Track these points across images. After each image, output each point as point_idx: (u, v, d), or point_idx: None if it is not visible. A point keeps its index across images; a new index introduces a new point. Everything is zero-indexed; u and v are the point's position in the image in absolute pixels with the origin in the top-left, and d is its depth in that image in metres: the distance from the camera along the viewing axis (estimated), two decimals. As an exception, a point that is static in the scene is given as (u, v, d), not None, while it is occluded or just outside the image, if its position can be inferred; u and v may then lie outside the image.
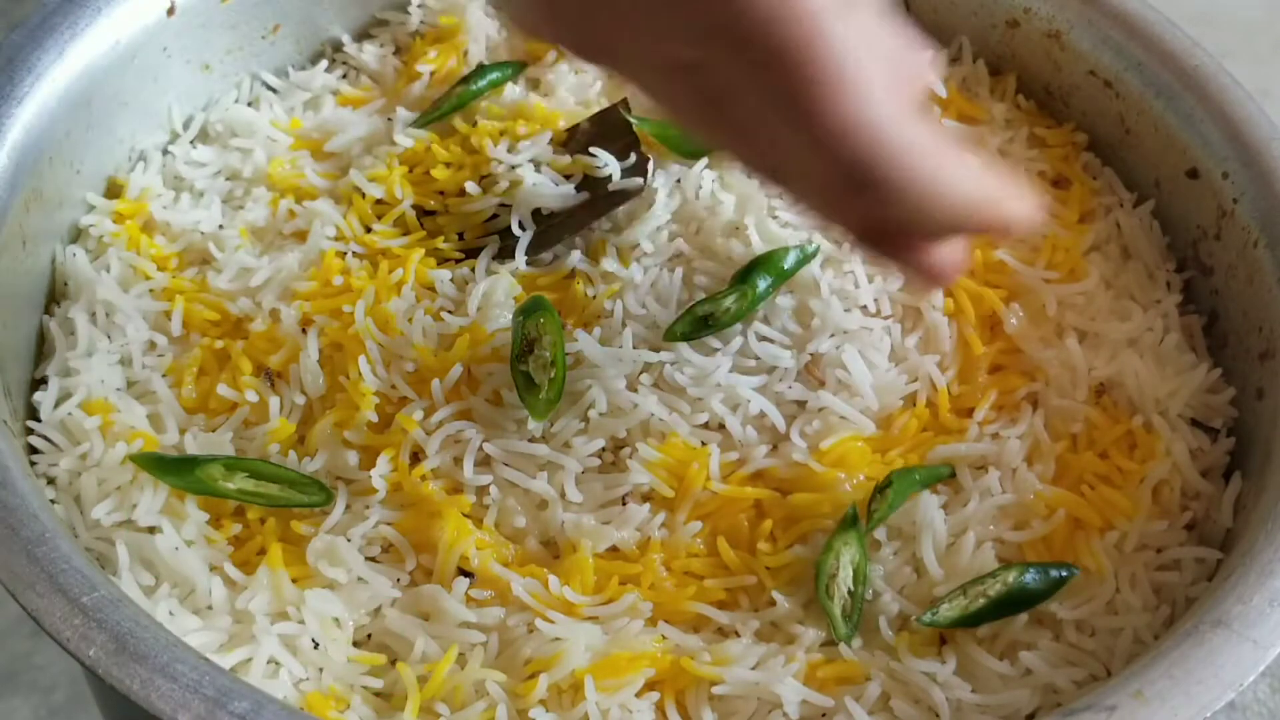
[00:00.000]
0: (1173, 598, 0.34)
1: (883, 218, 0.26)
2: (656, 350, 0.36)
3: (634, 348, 0.36)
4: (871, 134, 0.24)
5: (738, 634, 0.32)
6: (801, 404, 0.36)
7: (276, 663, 0.31)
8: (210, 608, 0.32)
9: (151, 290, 0.38)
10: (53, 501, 0.33)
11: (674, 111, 0.27)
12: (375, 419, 0.35)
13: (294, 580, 0.32)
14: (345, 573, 0.33)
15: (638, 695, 0.31)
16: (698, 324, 0.37)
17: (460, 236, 0.40)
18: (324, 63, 0.45)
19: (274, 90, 0.44)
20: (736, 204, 0.40)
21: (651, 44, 0.25)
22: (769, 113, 0.25)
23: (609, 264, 0.38)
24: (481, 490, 0.34)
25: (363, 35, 0.46)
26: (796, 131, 0.24)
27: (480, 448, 0.34)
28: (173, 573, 0.32)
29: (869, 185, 0.25)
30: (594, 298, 0.38)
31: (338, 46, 0.46)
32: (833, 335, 0.37)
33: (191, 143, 0.42)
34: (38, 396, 0.35)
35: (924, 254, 0.27)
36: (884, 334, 0.37)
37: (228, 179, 0.41)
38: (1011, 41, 0.45)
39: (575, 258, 0.39)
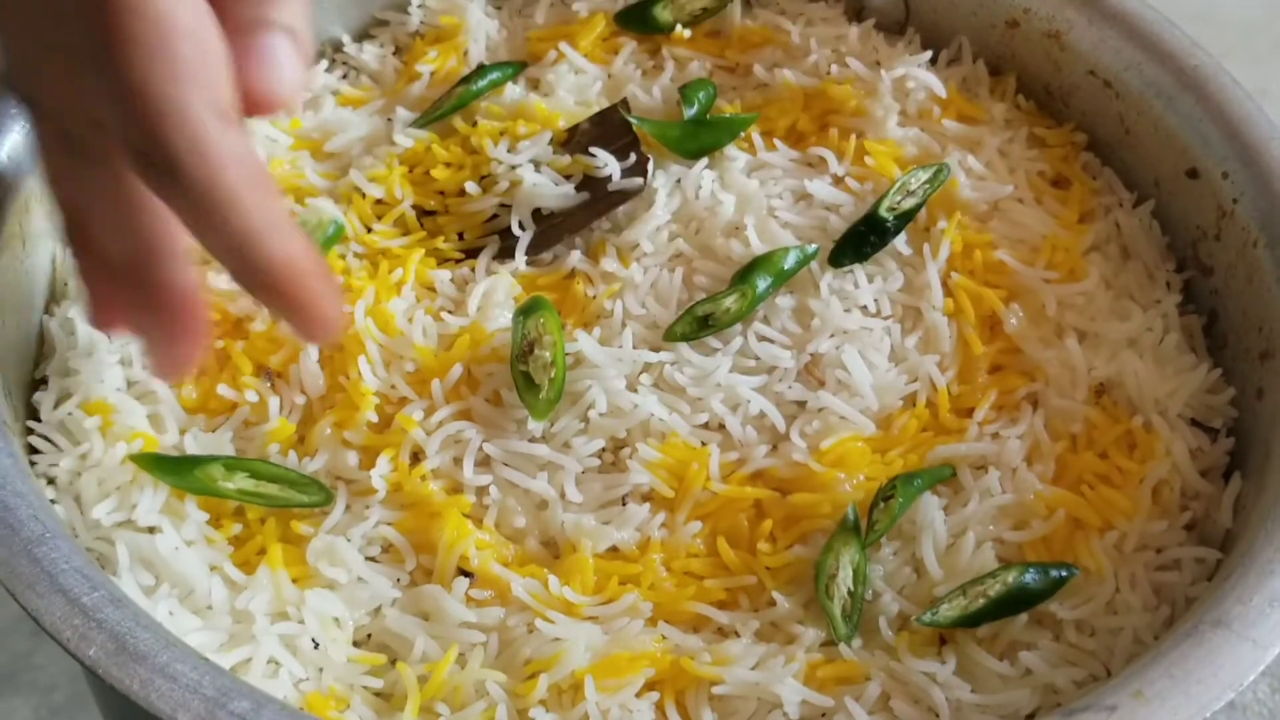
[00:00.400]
0: (1172, 598, 0.34)
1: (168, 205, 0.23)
2: (656, 350, 0.36)
3: (634, 348, 0.36)
4: (173, 109, 0.22)
5: (738, 634, 0.32)
6: (801, 404, 0.36)
7: (276, 663, 0.31)
8: (210, 608, 0.32)
9: (152, 290, 0.38)
10: (53, 501, 0.33)
11: None
12: (375, 419, 0.35)
13: (294, 580, 0.32)
14: (345, 573, 0.33)
15: (638, 695, 0.31)
16: (698, 324, 0.37)
17: (460, 236, 0.40)
18: (324, 63, 0.45)
19: (274, 90, 0.44)
20: (736, 204, 0.40)
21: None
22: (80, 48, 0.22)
23: (609, 264, 0.38)
24: (481, 490, 0.34)
25: (363, 35, 0.46)
26: (101, 76, 0.22)
27: (480, 448, 0.34)
28: (173, 573, 0.32)
29: (163, 163, 0.22)
30: (594, 298, 0.38)
31: (338, 46, 0.46)
32: (832, 335, 0.37)
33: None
34: (38, 396, 0.35)
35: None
36: (884, 334, 0.38)
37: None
38: (1011, 42, 0.45)
39: (575, 258, 0.39)
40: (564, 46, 0.43)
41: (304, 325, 0.24)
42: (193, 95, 0.22)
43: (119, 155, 0.23)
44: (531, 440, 0.35)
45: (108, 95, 0.22)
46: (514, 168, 0.40)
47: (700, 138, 0.41)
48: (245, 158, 0.23)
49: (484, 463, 0.35)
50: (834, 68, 0.44)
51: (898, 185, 0.40)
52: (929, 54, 0.45)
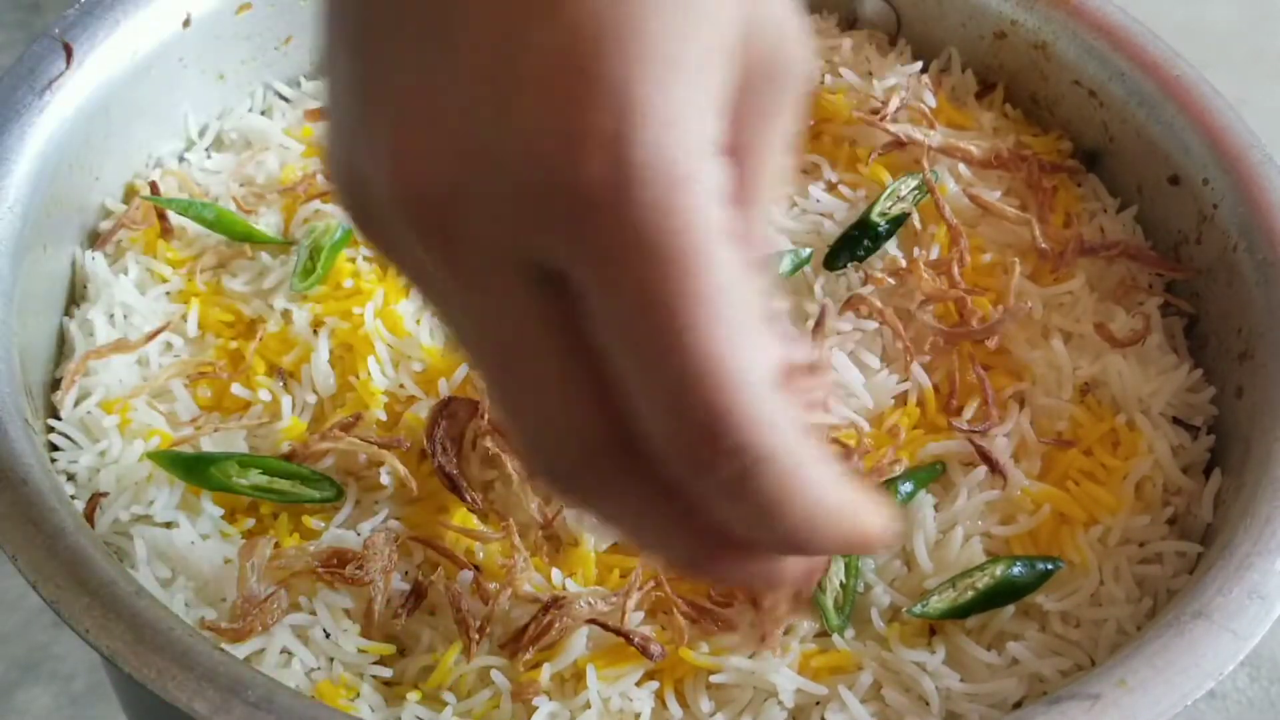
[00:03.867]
0: (1155, 590, 0.35)
1: (723, 511, 0.18)
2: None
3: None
4: (746, 379, 0.17)
5: (734, 625, 0.33)
6: (797, 403, 0.37)
7: (289, 653, 0.32)
8: (225, 600, 0.33)
9: (168, 293, 0.39)
10: (72, 497, 0.34)
11: (477, 338, 0.19)
12: (384, 417, 0.36)
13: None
14: (355, 566, 0.33)
15: (638, 684, 0.32)
16: (696, 325, 0.38)
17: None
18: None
19: (286, 99, 0.46)
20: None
21: (513, 219, 0.17)
22: (615, 331, 0.17)
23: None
24: (487, 485, 0.35)
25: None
26: (642, 373, 0.17)
27: (486, 445, 0.35)
28: (189, 566, 0.33)
29: (721, 455, 0.17)
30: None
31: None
32: (826, 336, 0.38)
33: (206, 150, 0.44)
34: (58, 395, 0.36)
35: (766, 563, 0.20)
36: (876, 335, 0.39)
37: (241, 185, 0.42)
38: (999, 52, 0.46)
39: (577, 262, 0.40)
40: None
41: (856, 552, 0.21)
42: (763, 362, 0.17)
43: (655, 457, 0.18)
44: (535, 438, 0.36)
45: (659, 372, 0.17)
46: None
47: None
48: (804, 429, 0.18)
49: (489, 460, 0.35)
50: (827, 77, 0.45)
51: (889, 191, 0.41)
52: (919, 64, 0.46)
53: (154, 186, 0.41)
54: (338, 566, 0.32)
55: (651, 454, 0.18)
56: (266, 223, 0.41)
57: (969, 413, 0.37)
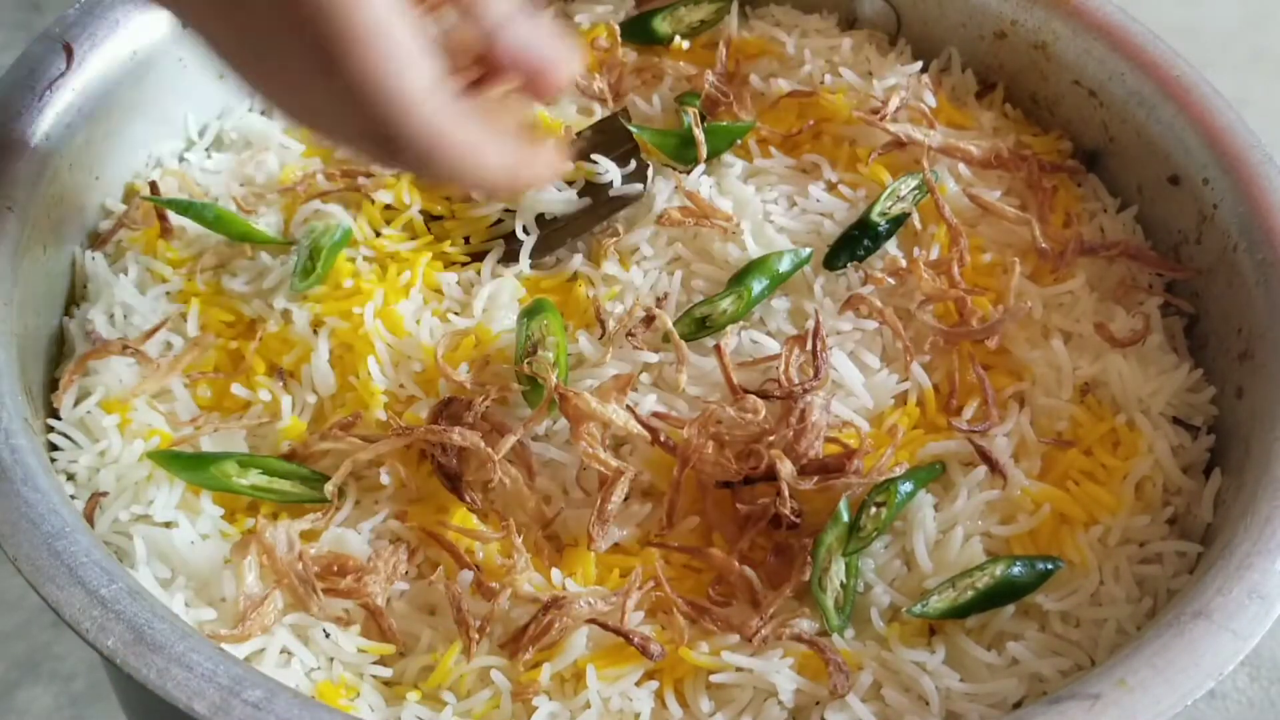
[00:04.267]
0: (1155, 590, 0.35)
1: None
2: (656, 351, 0.37)
3: (634, 348, 0.37)
4: (396, 100, 0.25)
5: (734, 625, 0.33)
6: (796, 403, 0.37)
7: (288, 652, 0.32)
8: (224, 599, 0.33)
9: (168, 293, 0.39)
10: (72, 497, 0.34)
11: (216, 49, 0.28)
12: (384, 417, 0.36)
13: (306, 572, 0.33)
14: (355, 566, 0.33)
15: (637, 684, 0.32)
16: (696, 325, 0.38)
17: (466, 241, 0.41)
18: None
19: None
20: (733, 209, 0.41)
21: None
22: (301, 56, 0.26)
23: (610, 267, 0.40)
24: (487, 485, 0.35)
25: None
26: (329, 80, 0.26)
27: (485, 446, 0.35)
28: (188, 566, 0.33)
29: (396, 150, 0.26)
30: (595, 299, 0.39)
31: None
32: (826, 336, 0.38)
33: (206, 150, 0.44)
34: (57, 395, 0.36)
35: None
36: (876, 335, 0.39)
37: (241, 185, 0.42)
38: (999, 52, 0.46)
39: (577, 261, 0.40)
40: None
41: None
42: (408, 77, 0.25)
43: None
44: (535, 438, 0.36)
45: (337, 94, 0.26)
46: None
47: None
48: (462, 120, 0.26)
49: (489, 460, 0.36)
50: (827, 77, 0.45)
51: (889, 191, 0.41)
52: (919, 64, 0.46)
53: (154, 186, 0.41)
54: (337, 574, 0.32)
55: None
56: (266, 222, 0.41)
57: (969, 413, 0.37)
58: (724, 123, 0.43)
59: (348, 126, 0.27)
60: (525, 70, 0.28)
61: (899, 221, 0.41)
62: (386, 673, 0.33)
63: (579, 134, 0.42)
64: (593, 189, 0.41)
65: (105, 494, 0.34)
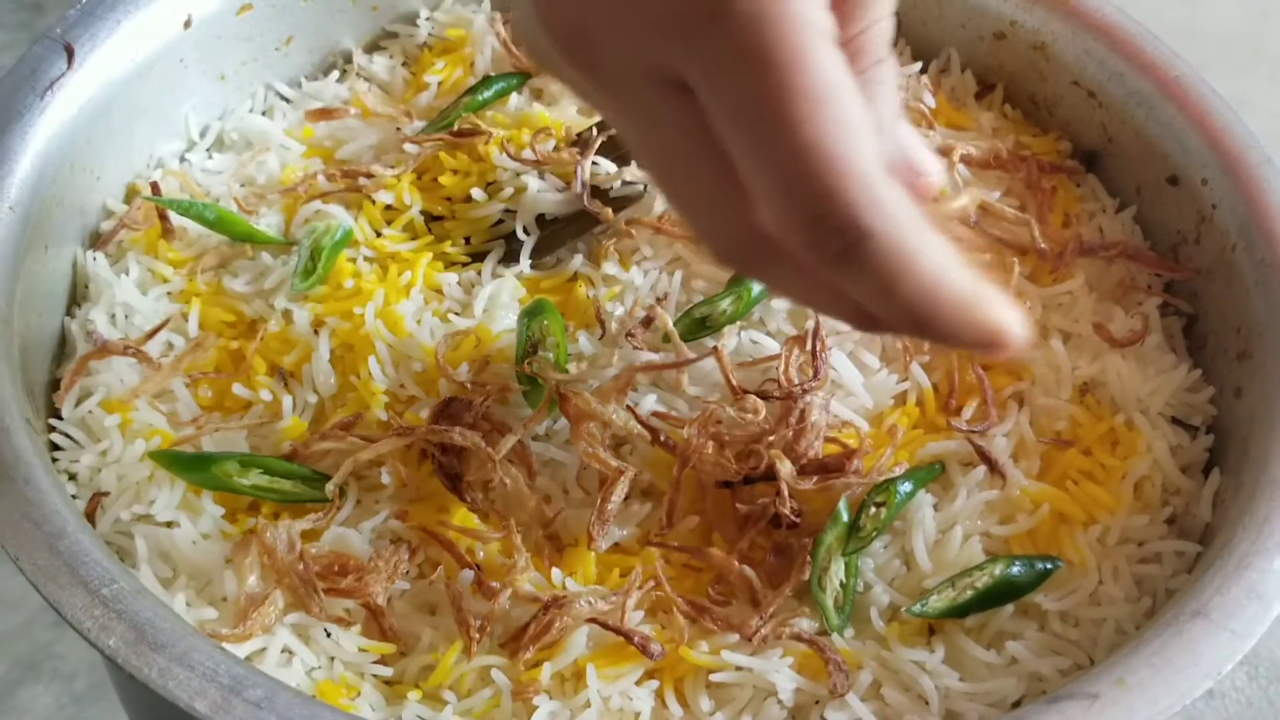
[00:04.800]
0: (1154, 589, 0.35)
1: (847, 287, 0.20)
2: (656, 351, 0.38)
3: (634, 349, 0.37)
4: (848, 165, 0.19)
5: (734, 624, 0.33)
6: (796, 403, 0.37)
7: (290, 652, 0.32)
8: (225, 599, 0.33)
9: (169, 293, 0.39)
10: (74, 497, 0.34)
11: (640, 147, 0.23)
12: (385, 417, 0.36)
13: (307, 572, 0.33)
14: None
15: (638, 683, 0.32)
16: (695, 325, 0.38)
17: (467, 241, 0.41)
18: (335, 73, 0.47)
19: (287, 100, 0.46)
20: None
21: (636, 41, 0.21)
22: (730, 128, 0.20)
23: (610, 267, 0.40)
24: (487, 485, 0.35)
25: (373, 47, 0.48)
26: (752, 162, 0.20)
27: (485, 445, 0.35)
28: (190, 565, 0.33)
29: (828, 232, 0.20)
30: (595, 300, 0.39)
31: (349, 58, 0.47)
32: (826, 336, 0.38)
33: (208, 151, 0.44)
34: (59, 395, 0.36)
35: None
36: (874, 335, 0.39)
37: (242, 185, 0.43)
38: (998, 53, 0.46)
39: (577, 261, 0.40)
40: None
41: (993, 352, 0.21)
42: (866, 149, 0.20)
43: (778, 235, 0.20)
44: (535, 438, 0.36)
45: (767, 163, 0.20)
46: (519, 175, 0.41)
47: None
48: (914, 206, 0.20)
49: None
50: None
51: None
52: (919, 65, 0.46)
53: (155, 187, 0.41)
54: (338, 574, 0.33)
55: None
56: (267, 223, 0.41)
57: (968, 412, 0.37)
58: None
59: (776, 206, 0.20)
60: (901, 175, 0.22)
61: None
62: (387, 672, 0.33)
63: (580, 134, 0.42)
64: (593, 190, 0.41)
65: (107, 494, 0.34)
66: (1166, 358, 0.40)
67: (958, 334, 0.21)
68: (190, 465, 0.35)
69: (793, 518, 0.34)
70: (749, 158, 0.20)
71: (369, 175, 0.41)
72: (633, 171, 0.41)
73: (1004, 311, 0.21)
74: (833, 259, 0.20)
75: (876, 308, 0.21)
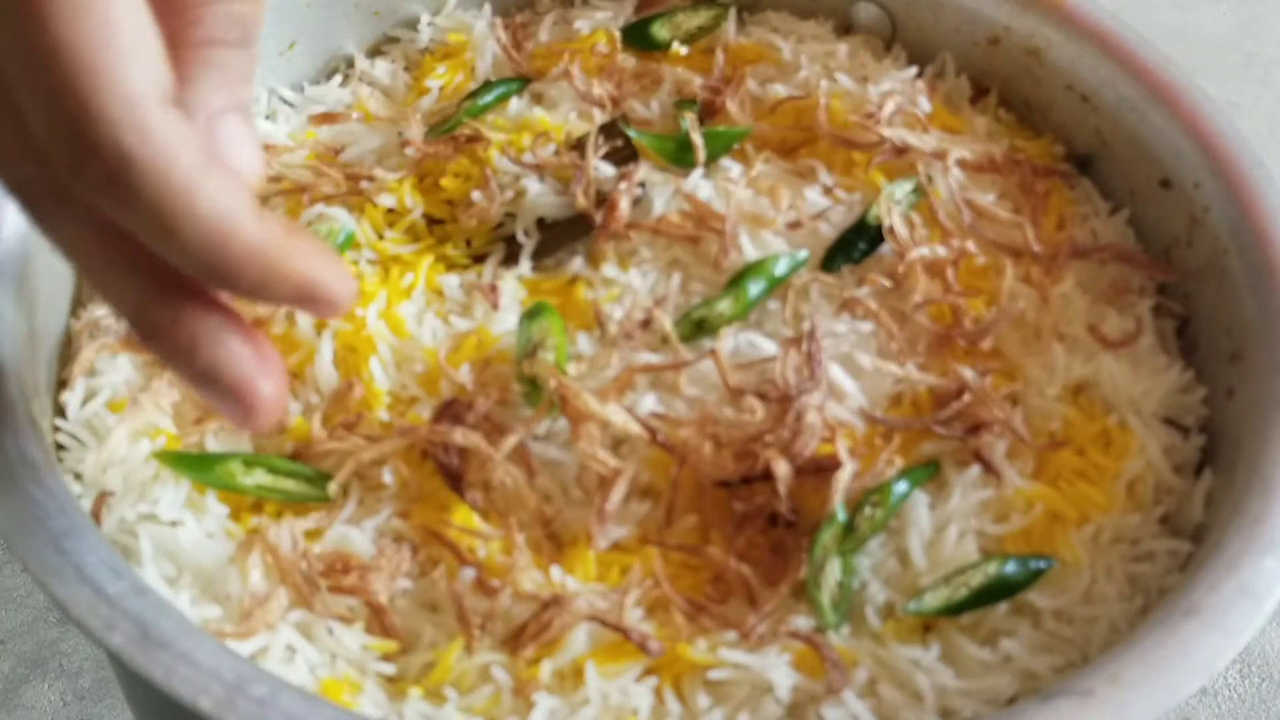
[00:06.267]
0: (1146, 588, 0.35)
1: (112, 219, 0.18)
2: (654, 351, 0.38)
3: (632, 350, 0.38)
4: (109, 79, 0.17)
5: (731, 622, 0.34)
6: (794, 403, 0.37)
7: (293, 649, 0.32)
8: (229, 597, 0.33)
9: (173, 295, 0.40)
10: (79, 496, 0.35)
11: None
12: (387, 417, 0.36)
13: (309, 570, 0.34)
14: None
15: (637, 680, 0.32)
16: (694, 327, 0.39)
17: (468, 244, 0.42)
18: (338, 78, 0.47)
19: (290, 104, 0.46)
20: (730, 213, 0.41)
21: None
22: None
23: (609, 270, 0.40)
24: (488, 484, 0.36)
25: (375, 52, 0.48)
26: (23, 76, 0.17)
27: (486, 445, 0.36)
28: (194, 564, 0.34)
29: (87, 151, 0.17)
30: (595, 302, 0.39)
31: (351, 62, 0.48)
32: (822, 337, 0.38)
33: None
34: (65, 395, 0.37)
35: (201, 343, 0.19)
36: (871, 336, 0.39)
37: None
38: (993, 58, 0.47)
39: (577, 264, 0.41)
40: (572, 67, 0.45)
41: (316, 309, 0.20)
42: (137, 72, 0.17)
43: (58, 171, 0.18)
44: (535, 438, 0.36)
45: (22, 66, 0.17)
46: (519, 178, 0.42)
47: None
48: (198, 144, 0.18)
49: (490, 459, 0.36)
50: (823, 82, 0.45)
51: (884, 194, 0.41)
52: (914, 69, 0.47)
53: (159, 190, 0.41)
54: (341, 572, 0.33)
55: (44, 156, 0.18)
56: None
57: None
58: (721, 128, 0.44)
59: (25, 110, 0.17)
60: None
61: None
62: (389, 669, 0.33)
63: (580, 139, 0.43)
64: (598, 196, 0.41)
65: (112, 493, 0.35)
66: (1159, 359, 0.40)
67: (267, 287, 0.19)
68: (195, 465, 0.35)
69: (789, 517, 0.34)
70: (10, 59, 0.17)
71: (370, 178, 0.42)
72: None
73: (320, 265, 0.19)
74: (102, 188, 0.17)
75: (165, 251, 0.18)
